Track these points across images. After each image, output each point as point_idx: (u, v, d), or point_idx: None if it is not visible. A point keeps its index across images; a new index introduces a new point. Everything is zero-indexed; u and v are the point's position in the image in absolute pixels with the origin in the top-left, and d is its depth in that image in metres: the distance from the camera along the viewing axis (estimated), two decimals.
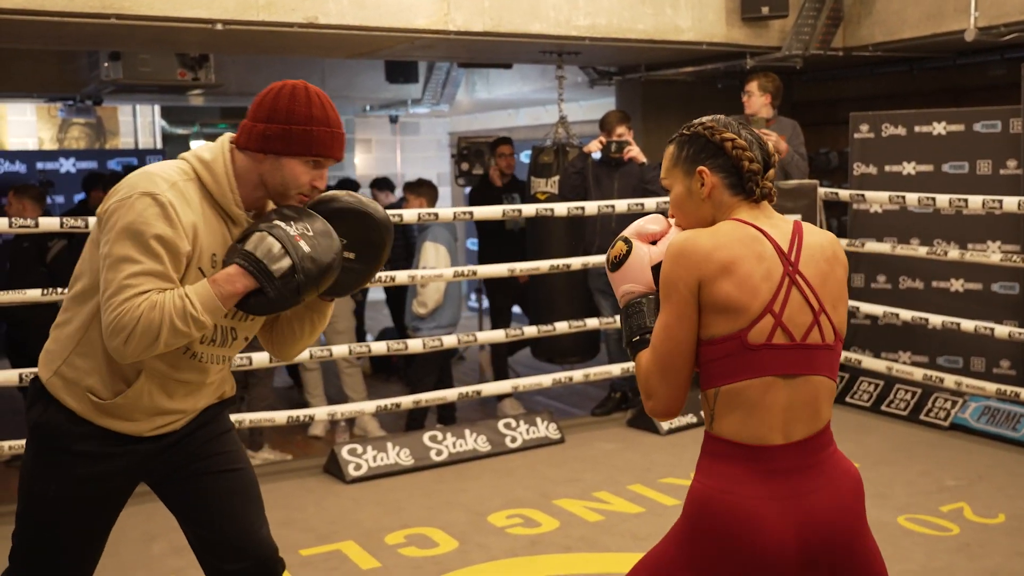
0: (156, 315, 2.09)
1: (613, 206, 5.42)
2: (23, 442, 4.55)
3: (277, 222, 2.19)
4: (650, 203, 5.54)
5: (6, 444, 4.43)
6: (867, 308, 5.76)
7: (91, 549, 2.40)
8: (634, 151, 5.81)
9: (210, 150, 2.27)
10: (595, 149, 5.89)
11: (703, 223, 1.98)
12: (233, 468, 2.41)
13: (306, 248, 2.15)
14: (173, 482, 2.41)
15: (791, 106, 7.47)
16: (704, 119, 2.02)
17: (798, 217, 2.05)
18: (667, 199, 5.64)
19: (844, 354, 5.81)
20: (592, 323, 5.55)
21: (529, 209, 5.39)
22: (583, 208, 5.36)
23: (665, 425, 5.40)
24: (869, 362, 5.72)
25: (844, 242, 5.85)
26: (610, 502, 4.39)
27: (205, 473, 2.38)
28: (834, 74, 7.38)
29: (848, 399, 5.79)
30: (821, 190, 5.76)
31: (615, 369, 5.64)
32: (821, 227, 5.70)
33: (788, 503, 1.86)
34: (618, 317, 5.58)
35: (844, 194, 5.82)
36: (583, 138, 6.50)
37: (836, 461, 1.94)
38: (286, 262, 2.13)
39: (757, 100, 6.01)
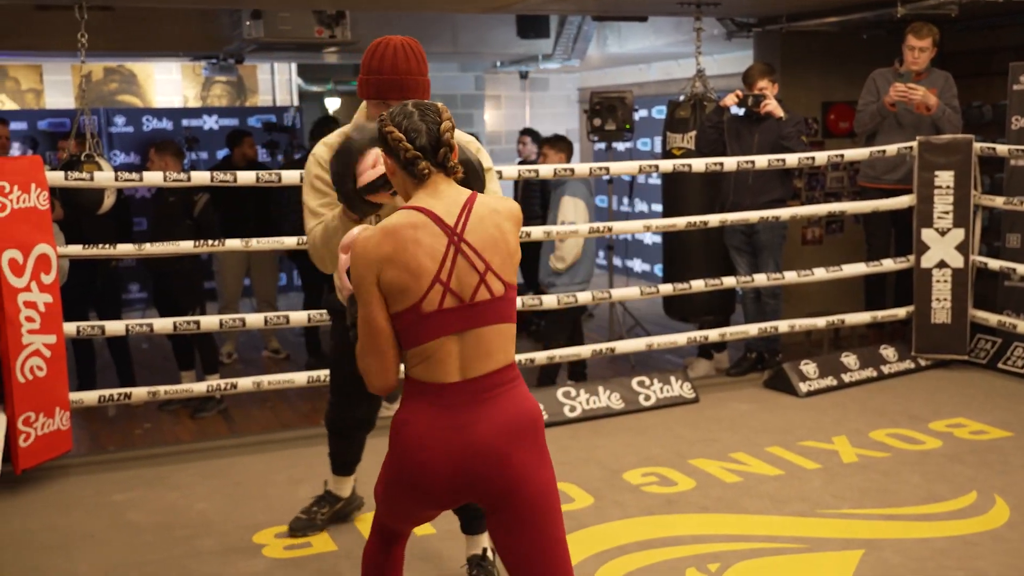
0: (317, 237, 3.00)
1: (752, 161, 5.28)
2: (177, 387, 4.77)
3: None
4: (791, 159, 5.38)
5: (161, 389, 4.64)
6: None
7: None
8: (771, 105, 5.63)
9: (360, 108, 3.06)
10: (731, 103, 5.73)
11: (407, 197, 2.29)
12: None
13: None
14: None
15: (941, 57, 7.10)
16: (388, 112, 2.29)
17: (469, 192, 2.28)
18: (807, 155, 5.47)
19: (997, 317, 5.54)
20: (728, 281, 5.44)
21: (666, 165, 5.30)
22: (721, 164, 5.24)
23: (803, 387, 5.27)
24: None
25: (1000, 200, 5.55)
26: (747, 463, 4.31)
27: None
28: (990, 22, 6.96)
29: (1000, 365, 5.53)
30: (976, 145, 5.47)
31: (752, 329, 5.52)
32: (976, 183, 5.47)
33: (452, 433, 2.19)
34: (755, 276, 5.49)
35: (1002, 149, 5.52)
36: (719, 92, 6.33)
37: (512, 396, 2.23)
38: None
39: (928, 55, 5.74)
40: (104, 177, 4.43)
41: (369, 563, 2.48)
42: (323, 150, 3.05)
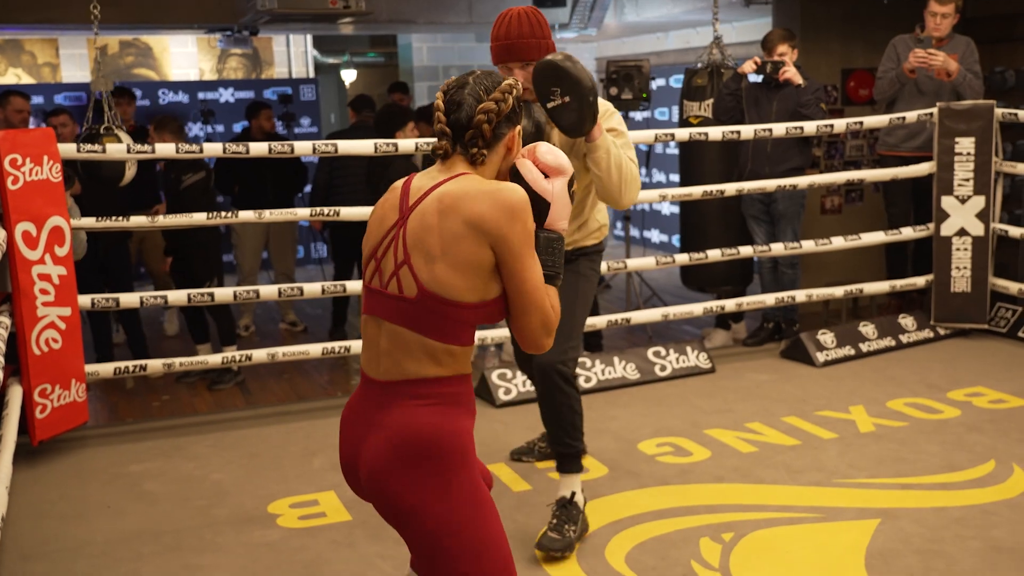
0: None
1: (770, 129, 5.21)
2: (192, 359, 4.78)
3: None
4: (809, 127, 5.31)
5: (176, 360, 4.66)
6: None
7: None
8: (790, 72, 5.55)
9: None
10: (749, 70, 5.65)
11: None
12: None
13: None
14: None
15: (963, 22, 6.98)
16: (454, 77, 2.14)
17: (466, 173, 2.05)
18: (826, 123, 5.39)
19: (1017, 286, 5.47)
20: (746, 251, 5.39)
21: (682, 133, 5.24)
22: (738, 132, 5.18)
23: (821, 356, 5.23)
24: None
25: (1022, 167, 5.46)
26: (763, 433, 4.29)
27: None
28: None
29: (1020, 334, 5.45)
30: (998, 111, 5.38)
31: (769, 299, 5.48)
32: (997, 150, 5.38)
33: (360, 428, 2.06)
34: (772, 245, 5.44)
35: None
36: (737, 60, 6.25)
37: (406, 414, 1.99)
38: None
39: (951, 21, 5.65)
40: (116, 149, 4.42)
41: None
42: None
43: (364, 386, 2.10)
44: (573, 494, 3.35)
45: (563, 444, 3.38)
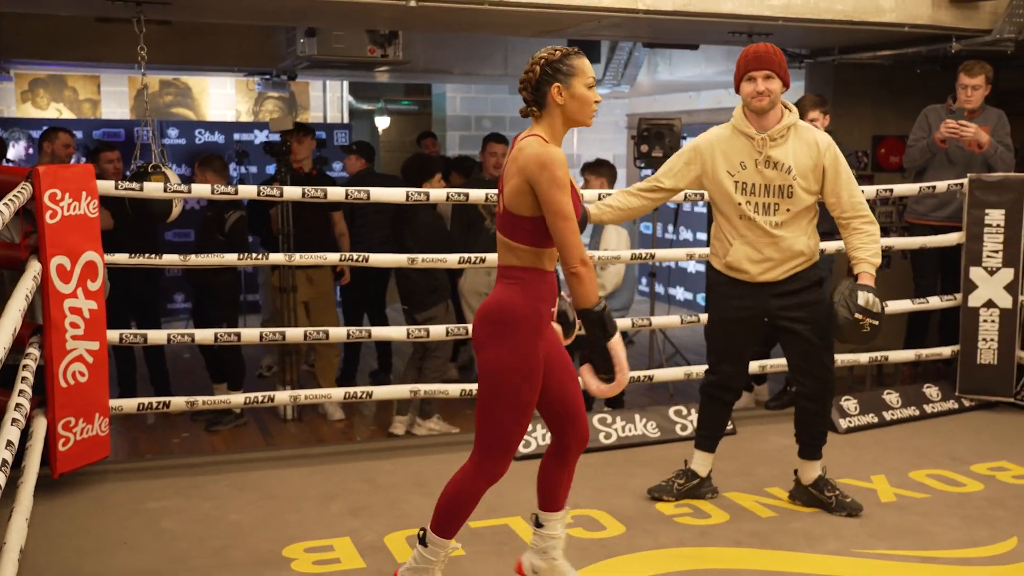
0: None
1: None
2: (215, 398, 4.79)
3: None
4: None
5: (199, 399, 4.68)
6: None
7: (731, 352, 4.06)
8: None
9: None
10: None
11: None
12: (796, 328, 3.91)
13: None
14: (775, 327, 4.00)
15: (995, 95, 7.00)
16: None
17: (535, 134, 2.92)
18: (877, 188, 5.39)
19: None
20: None
21: None
22: None
23: (843, 423, 5.19)
24: None
25: None
26: (783, 499, 4.25)
27: (784, 329, 3.95)
28: None
29: None
30: None
31: None
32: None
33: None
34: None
35: None
36: None
37: (496, 289, 2.99)
38: None
39: (982, 93, 5.67)
40: (153, 188, 4.50)
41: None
42: (696, 141, 4.00)
43: None
44: (824, 470, 4.13)
45: (815, 435, 4.08)
